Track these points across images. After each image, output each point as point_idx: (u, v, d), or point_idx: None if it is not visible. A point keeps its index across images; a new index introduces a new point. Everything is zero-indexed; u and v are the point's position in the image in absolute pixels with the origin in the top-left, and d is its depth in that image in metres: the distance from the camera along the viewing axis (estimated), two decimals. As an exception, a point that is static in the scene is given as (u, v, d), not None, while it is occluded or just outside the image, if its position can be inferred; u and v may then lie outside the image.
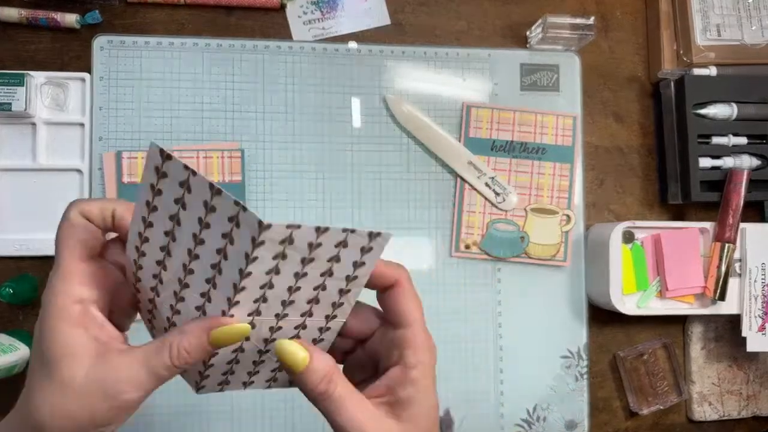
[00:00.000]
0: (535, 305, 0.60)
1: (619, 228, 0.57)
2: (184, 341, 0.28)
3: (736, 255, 0.59)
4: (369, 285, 0.31)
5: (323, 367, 0.29)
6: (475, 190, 0.60)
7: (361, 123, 0.59)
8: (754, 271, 0.58)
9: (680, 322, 0.64)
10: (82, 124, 0.56)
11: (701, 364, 0.63)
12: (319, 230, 0.26)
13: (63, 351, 0.28)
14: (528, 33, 0.62)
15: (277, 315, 0.29)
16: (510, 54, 0.62)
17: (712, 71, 0.61)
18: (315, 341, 0.31)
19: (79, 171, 0.55)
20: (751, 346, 0.58)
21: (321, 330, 0.31)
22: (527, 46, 0.62)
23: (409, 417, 0.30)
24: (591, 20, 0.59)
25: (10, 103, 0.53)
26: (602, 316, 0.61)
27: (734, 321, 0.60)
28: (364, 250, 0.28)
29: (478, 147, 0.60)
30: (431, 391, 0.31)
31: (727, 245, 0.58)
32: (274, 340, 0.30)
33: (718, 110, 0.60)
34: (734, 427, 0.64)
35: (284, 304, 0.29)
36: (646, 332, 0.63)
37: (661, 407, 0.61)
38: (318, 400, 0.30)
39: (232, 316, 0.28)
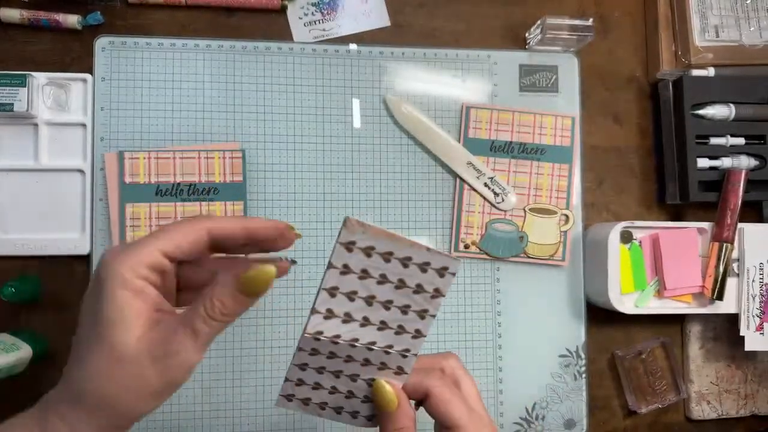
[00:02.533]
0: (533, 305, 0.61)
1: (618, 228, 0.57)
2: (215, 293, 0.29)
3: (734, 255, 0.59)
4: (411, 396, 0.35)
5: (403, 420, 0.33)
6: (475, 190, 0.60)
7: (361, 123, 0.60)
8: (752, 271, 0.59)
9: (678, 321, 0.64)
10: (83, 125, 0.56)
11: (700, 363, 0.63)
12: (411, 244, 0.31)
13: (119, 315, 0.28)
14: (527, 34, 0.62)
15: (366, 323, 0.33)
16: (509, 55, 0.62)
17: (711, 72, 0.62)
18: (396, 372, 0.35)
19: (81, 171, 0.56)
20: (750, 346, 0.58)
21: (402, 359, 0.34)
22: (526, 47, 0.63)
23: None
24: (590, 21, 0.59)
25: (12, 104, 0.53)
26: (601, 316, 0.62)
27: (732, 320, 0.60)
28: (442, 275, 0.32)
29: (477, 147, 0.60)
30: None
31: (725, 245, 0.58)
32: (378, 365, 0.34)
33: (716, 111, 0.61)
34: (733, 426, 0.64)
35: (383, 321, 0.33)
36: (645, 331, 0.63)
37: (660, 406, 0.61)
38: None
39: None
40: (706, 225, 0.60)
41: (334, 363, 0.34)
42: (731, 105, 0.61)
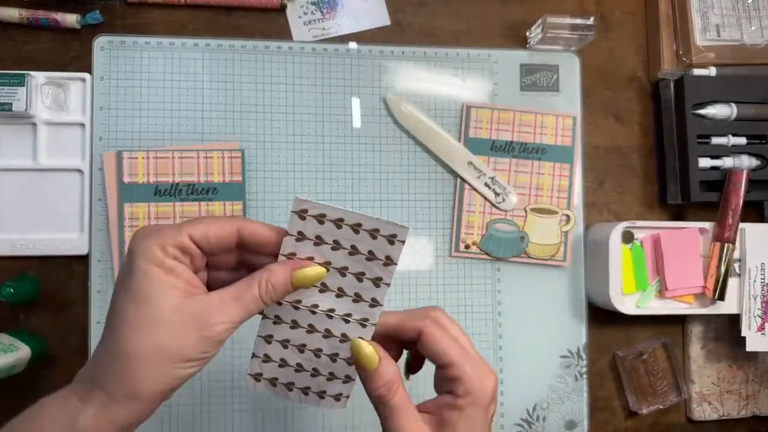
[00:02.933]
0: (534, 305, 0.60)
1: (619, 228, 0.57)
2: (272, 278, 0.32)
3: (736, 255, 0.59)
4: (403, 340, 0.36)
5: (387, 374, 0.33)
6: (475, 190, 0.60)
7: (361, 123, 0.59)
8: (754, 271, 0.59)
9: (680, 321, 0.64)
10: (82, 125, 0.56)
11: (701, 363, 0.63)
12: (356, 214, 0.33)
13: (154, 288, 0.30)
14: (528, 33, 0.62)
15: (336, 293, 0.35)
16: (510, 54, 0.62)
17: (712, 71, 0.61)
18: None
19: (79, 171, 0.55)
20: (751, 346, 0.58)
21: (362, 329, 0.35)
22: (527, 46, 0.63)
23: None
24: (591, 20, 0.59)
25: (10, 104, 0.53)
26: (602, 316, 0.61)
27: (734, 321, 0.60)
28: (391, 242, 0.33)
29: (477, 147, 0.60)
30: (478, 421, 0.34)
31: (726, 245, 0.58)
32: (339, 337, 0.35)
33: (717, 110, 0.60)
34: (734, 426, 0.64)
35: (340, 288, 0.35)
36: (646, 332, 0.63)
37: (661, 407, 0.61)
38: (376, 402, 0.34)
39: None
40: (707, 225, 0.59)
41: (298, 335, 0.36)
42: (732, 104, 0.61)
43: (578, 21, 0.59)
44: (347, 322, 0.35)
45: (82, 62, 0.57)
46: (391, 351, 0.36)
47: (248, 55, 0.58)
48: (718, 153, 0.61)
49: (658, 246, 0.58)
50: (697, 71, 0.61)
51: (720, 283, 0.57)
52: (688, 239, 0.58)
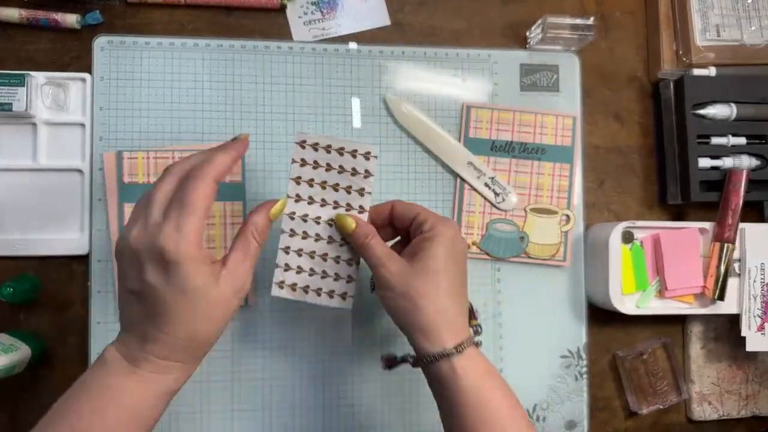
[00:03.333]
0: (534, 305, 0.60)
1: (619, 228, 0.57)
2: (258, 225, 0.42)
3: (736, 255, 0.59)
4: (383, 230, 0.47)
5: (365, 229, 0.45)
6: (475, 190, 0.60)
7: (361, 123, 0.59)
8: (754, 271, 0.59)
9: (680, 321, 0.64)
10: (82, 125, 0.56)
11: (701, 363, 0.63)
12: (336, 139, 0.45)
13: (202, 283, 0.38)
14: (528, 33, 0.62)
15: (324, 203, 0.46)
16: (510, 54, 0.62)
17: (712, 72, 0.61)
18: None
19: (79, 171, 0.55)
20: (751, 346, 0.58)
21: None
22: (527, 46, 0.63)
23: (419, 259, 0.43)
24: (591, 21, 0.59)
25: (10, 104, 0.53)
26: (602, 316, 0.61)
27: (734, 321, 0.60)
28: (367, 158, 0.45)
29: (477, 147, 0.60)
30: (445, 247, 0.43)
31: (726, 245, 0.58)
32: (339, 241, 0.46)
33: (717, 110, 0.60)
34: (734, 426, 0.64)
35: (335, 200, 0.46)
36: (646, 332, 0.63)
37: (661, 407, 0.61)
38: (360, 250, 0.45)
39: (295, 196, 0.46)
40: (707, 225, 0.59)
41: (308, 243, 0.46)
42: (732, 104, 0.61)
43: (578, 21, 0.59)
44: None
45: (82, 62, 0.57)
46: (382, 231, 0.47)
47: (248, 55, 0.58)
48: (718, 153, 0.61)
49: (658, 246, 0.58)
50: (697, 71, 0.61)
51: (720, 283, 0.57)
52: (688, 239, 0.58)
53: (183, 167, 0.40)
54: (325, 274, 0.47)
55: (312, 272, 0.47)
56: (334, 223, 0.46)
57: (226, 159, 0.40)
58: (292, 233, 0.46)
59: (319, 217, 0.46)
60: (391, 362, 0.50)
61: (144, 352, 0.38)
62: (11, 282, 0.51)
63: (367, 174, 0.46)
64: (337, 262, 0.47)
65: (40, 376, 0.55)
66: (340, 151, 0.45)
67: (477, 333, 0.46)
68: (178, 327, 0.38)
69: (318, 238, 0.46)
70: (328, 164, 0.45)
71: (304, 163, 0.45)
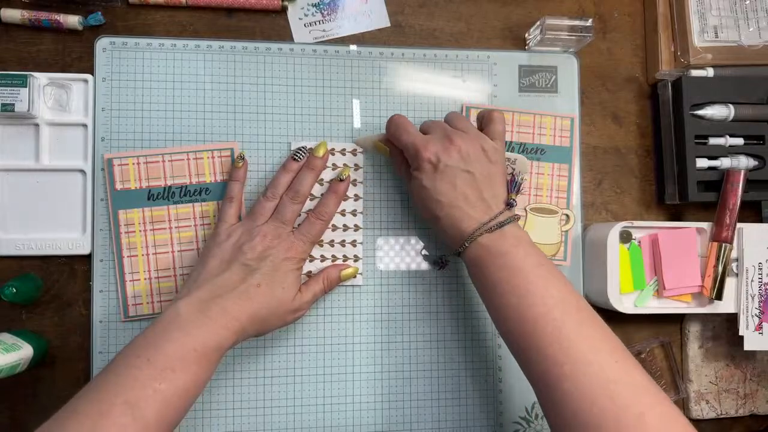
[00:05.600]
0: (521, 178, 0.60)
1: (617, 228, 0.57)
2: (331, 274, 0.55)
3: (733, 255, 0.59)
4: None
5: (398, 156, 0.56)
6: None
7: (362, 124, 0.60)
8: (751, 271, 0.59)
9: (678, 321, 0.64)
10: (84, 125, 0.56)
11: (699, 362, 0.63)
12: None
13: (291, 287, 0.51)
14: (527, 35, 0.63)
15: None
16: (509, 55, 0.62)
17: (710, 72, 0.62)
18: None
19: (82, 171, 0.56)
20: (749, 345, 0.58)
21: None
22: (526, 47, 0.63)
23: (413, 187, 0.52)
24: (589, 22, 0.59)
25: (13, 104, 0.53)
26: (600, 315, 0.62)
27: (731, 320, 0.60)
28: (354, 154, 0.58)
29: (477, 147, 0.60)
30: (426, 174, 0.50)
31: (724, 245, 0.58)
32: (341, 227, 0.58)
33: (715, 111, 0.61)
34: (732, 425, 0.64)
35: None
36: (644, 331, 0.63)
37: (659, 406, 0.62)
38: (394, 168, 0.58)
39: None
40: (705, 225, 0.60)
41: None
42: (730, 105, 0.61)
43: (577, 22, 0.59)
44: (344, 215, 0.58)
45: (84, 63, 0.57)
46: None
47: (249, 56, 0.59)
48: (715, 153, 0.61)
49: (656, 246, 0.59)
50: (695, 72, 0.62)
51: (718, 282, 0.58)
52: (685, 239, 0.59)
53: (304, 192, 0.54)
54: (334, 259, 0.57)
55: (323, 259, 0.57)
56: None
57: (336, 207, 0.56)
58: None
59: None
60: (441, 262, 0.59)
61: (217, 306, 0.46)
62: (14, 281, 0.52)
63: (357, 167, 0.57)
64: (343, 246, 0.57)
65: (42, 375, 0.55)
66: (332, 151, 0.57)
67: (509, 206, 0.50)
68: (260, 302, 0.48)
69: (333, 227, 0.57)
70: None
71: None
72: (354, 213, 0.58)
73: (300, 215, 0.55)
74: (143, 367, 0.41)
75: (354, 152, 0.57)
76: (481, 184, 0.49)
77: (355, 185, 0.58)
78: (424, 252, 0.59)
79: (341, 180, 0.55)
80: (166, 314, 0.45)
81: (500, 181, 0.50)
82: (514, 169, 0.59)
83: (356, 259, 0.57)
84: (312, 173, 0.54)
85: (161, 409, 0.40)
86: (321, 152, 0.55)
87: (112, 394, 0.40)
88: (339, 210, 0.57)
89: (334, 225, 0.57)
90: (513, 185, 0.58)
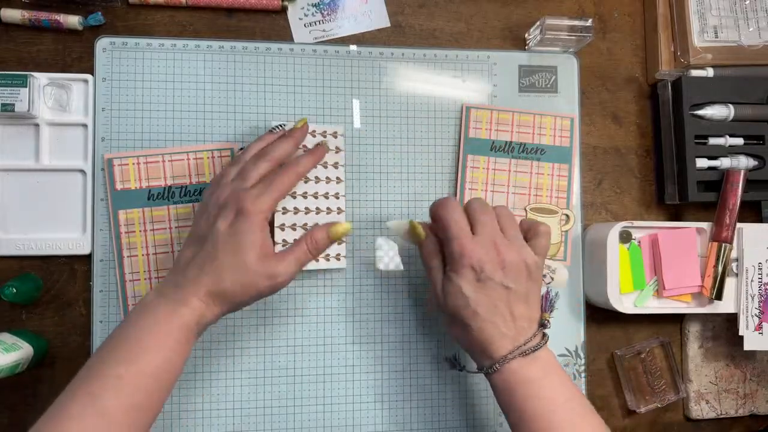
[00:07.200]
0: (556, 295, 0.60)
1: (617, 228, 0.57)
2: (316, 236, 0.48)
3: (733, 255, 0.59)
4: None
5: (429, 248, 0.50)
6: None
7: (361, 123, 0.60)
8: (751, 271, 0.59)
9: (677, 321, 0.64)
10: (84, 125, 0.56)
11: (699, 362, 0.63)
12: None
13: (251, 243, 0.45)
14: (527, 35, 0.63)
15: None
16: (509, 56, 0.62)
17: (709, 72, 0.62)
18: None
19: (82, 171, 0.56)
20: (749, 345, 0.58)
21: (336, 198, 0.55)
22: (526, 47, 0.63)
23: (448, 292, 0.47)
24: (589, 22, 0.59)
25: (13, 104, 0.53)
26: (600, 315, 0.62)
27: (731, 320, 0.61)
28: (335, 137, 0.56)
29: (477, 147, 0.61)
30: (466, 278, 0.46)
31: (724, 245, 0.58)
32: (325, 210, 0.54)
33: (715, 111, 0.61)
34: (731, 425, 0.65)
35: (317, 176, 0.54)
36: (644, 331, 0.63)
37: (659, 405, 0.62)
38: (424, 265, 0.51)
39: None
40: (705, 225, 0.60)
41: (303, 218, 0.52)
42: (730, 105, 0.61)
43: (576, 22, 0.59)
44: (327, 198, 0.54)
45: (84, 63, 0.57)
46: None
47: (249, 56, 0.59)
48: (715, 153, 0.61)
49: (656, 246, 0.59)
50: (694, 72, 0.62)
51: (717, 282, 0.58)
52: (685, 239, 0.59)
53: (277, 155, 0.49)
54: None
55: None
56: (408, 227, 0.52)
57: (310, 164, 0.51)
58: (284, 211, 0.52)
59: (305, 192, 0.53)
60: (454, 364, 0.58)
61: (183, 285, 0.44)
62: (14, 281, 0.52)
63: (339, 150, 0.55)
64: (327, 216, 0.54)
65: (42, 375, 0.55)
66: (313, 133, 0.54)
67: (542, 326, 0.48)
68: (214, 271, 0.44)
69: (307, 211, 0.53)
70: (304, 146, 0.53)
71: None
72: (336, 196, 0.55)
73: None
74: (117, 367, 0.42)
75: (335, 135, 0.55)
76: (518, 302, 0.47)
77: (337, 168, 0.55)
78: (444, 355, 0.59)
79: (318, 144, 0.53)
80: (136, 309, 0.45)
81: (536, 300, 0.48)
82: (550, 283, 0.57)
83: (339, 241, 0.54)
84: (288, 141, 0.50)
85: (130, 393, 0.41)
86: (300, 124, 0.51)
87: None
88: (322, 192, 0.54)
89: (317, 208, 0.53)
90: (548, 303, 0.58)
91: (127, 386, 0.41)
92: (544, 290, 0.58)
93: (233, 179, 0.47)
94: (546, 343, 0.47)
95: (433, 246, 0.50)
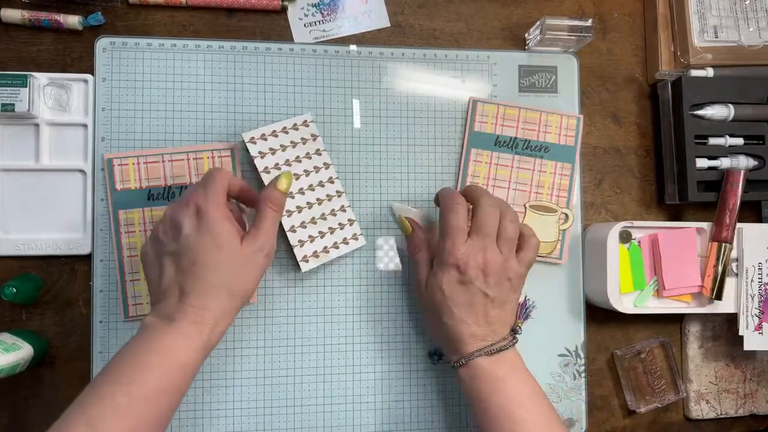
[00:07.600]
0: (533, 304, 0.61)
1: (617, 228, 0.57)
2: (272, 199, 0.47)
3: (733, 255, 0.59)
4: None
5: (415, 241, 0.55)
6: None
7: (361, 123, 0.60)
8: (751, 271, 0.59)
9: (677, 321, 0.64)
10: (84, 125, 0.56)
11: (698, 362, 0.63)
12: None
13: (227, 236, 0.44)
14: (527, 35, 0.63)
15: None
16: (509, 56, 0.62)
17: (709, 72, 0.62)
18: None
19: (82, 171, 0.56)
20: (748, 345, 0.58)
21: (331, 182, 0.57)
22: (526, 47, 0.63)
23: (430, 286, 0.51)
24: (589, 22, 0.59)
25: (13, 104, 0.53)
26: (600, 315, 0.62)
27: (731, 320, 0.61)
28: (307, 125, 0.57)
29: (482, 141, 0.60)
30: (446, 278, 0.50)
31: (724, 245, 0.58)
32: (325, 198, 0.56)
33: (715, 111, 0.61)
34: (731, 425, 0.65)
35: (305, 169, 0.56)
36: (644, 331, 0.63)
37: (659, 405, 0.62)
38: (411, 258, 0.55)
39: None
40: (705, 225, 0.60)
41: (305, 214, 0.54)
42: (730, 105, 0.61)
43: (576, 22, 0.59)
44: (323, 186, 0.56)
45: (84, 63, 0.57)
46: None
47: (249, 56, 0.59)
48: (715, 153, 0.61)
49: (656, 246, 0.59)
50: (694, 72, 0.62)
51: (717, 282, 0.58)
52: (685, 239, 0.59)
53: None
54: (332, 229, 0.56)
55: (321, 234, 0.55)
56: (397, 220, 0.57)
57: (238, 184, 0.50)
58: (289, 213, 0.54)
59: (301, 188, 0.55)
60: (436, 356, 0.59)
61: (181, 304, 0.43)
62: (14, 281, 0.52)
63: (316, 135, 0.56)
64: (334, 215, 0.56)
65: (42, 375, 0.55)
66: (285, 130, 0.55)
67: (514, 332, 0.51)
68: (210, 272, 0.44)
69: (309, 205, 0.54)
70: (281, 145, 0.55)
71: (263, 154, 0.54)
72: (331, 180, 0.56)
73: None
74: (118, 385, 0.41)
75: (306, 123, 0.56)
76: (494, 308, 0.49)
77: (320, 154, 0.56)
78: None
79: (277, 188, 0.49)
80: (136, 339, 0.44)
81: (512, 308, 0.51)
82: (527, 295, 0.60)
83: (351, 222, 0.56)
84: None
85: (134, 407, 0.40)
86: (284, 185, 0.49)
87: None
88: (317, 182, 0.55)
89: (318, 199, 0.55)
90: (523, 311, 0.59)
91: (127, 408, 0.40)
92: (522, 299, 0.60)
93: (169, 215, 0.47)
94: (514, 344, 0.50)
95: (419, 240, 0.54)
